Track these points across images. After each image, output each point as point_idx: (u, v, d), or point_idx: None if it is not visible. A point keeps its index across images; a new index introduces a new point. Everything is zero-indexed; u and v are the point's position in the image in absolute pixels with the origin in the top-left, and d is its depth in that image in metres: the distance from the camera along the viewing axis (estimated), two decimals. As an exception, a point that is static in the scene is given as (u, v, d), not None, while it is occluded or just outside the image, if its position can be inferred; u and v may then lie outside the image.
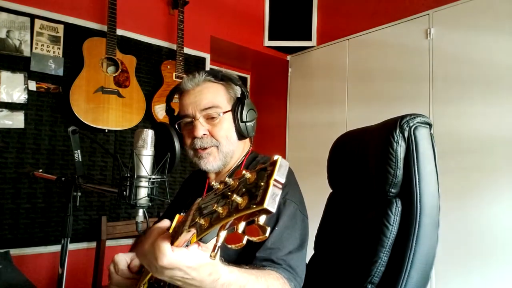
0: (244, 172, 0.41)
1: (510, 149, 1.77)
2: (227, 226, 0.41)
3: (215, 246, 0.43)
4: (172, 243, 0.53)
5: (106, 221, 1.83)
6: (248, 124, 0.95)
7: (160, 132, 0.89)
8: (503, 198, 1.78)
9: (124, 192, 0.82)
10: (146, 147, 0.83)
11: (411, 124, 0.85)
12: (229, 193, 0.40)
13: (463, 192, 1.90)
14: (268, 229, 0.38)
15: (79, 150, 1.11)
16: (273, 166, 0.37)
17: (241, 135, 0.96)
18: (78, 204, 1.06)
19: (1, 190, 1.78)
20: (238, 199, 0.38)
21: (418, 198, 0.83)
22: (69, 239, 1.08)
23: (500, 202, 1.78)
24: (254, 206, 0.36)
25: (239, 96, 0.97)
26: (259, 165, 0.40)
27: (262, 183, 0.37)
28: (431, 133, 0.88)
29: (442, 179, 0.88)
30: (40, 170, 1.26)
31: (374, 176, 0.91)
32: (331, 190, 1.20)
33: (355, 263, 0.92)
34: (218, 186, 0.45)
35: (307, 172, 2.61)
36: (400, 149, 0.85)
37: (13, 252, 1.71)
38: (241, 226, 0.39)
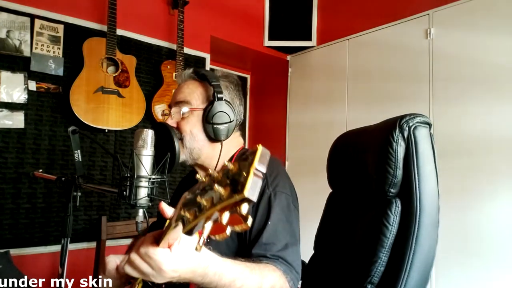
0: (226, 163, 0.41)
1: (510, 149, 1.77)
2: (212, 218, 0.41)
3: (200, 238, 0.44)
4: (159, 242, 0.54)
5: (106, 221, 1.82)
6: (216, 126, 0.93)
7: (160, 132, 0.89)
8: (502, 198, 1.78)
9: (124, 192, 0.82)
10: (146, 147, 0.83)
11: (410, 124, 0.85)
12: (213, 185, 0.40)
13: (463, 192, 1.90)
14: (250, 219, 0.39)
15: (79, 150, 1.11)
16: (253, 156, 0.38)
17: (210, 137, 0.95)
18: (78, 204, 1.06)
19: (1, 190, 1.78)
20: (220, 189, 0.39)
21: (418, 198, 0.83)
22: (69, 239, 1.08)
23: (500, 202, 1.78)
24: (235, 195, 0.36)
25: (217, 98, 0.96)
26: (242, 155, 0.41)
27: (244, 173, 0.37)
28: (430, 133, 0.88)
29: (442, 179, 0.88)
30: (40, 170, 1.26)
31: (373, 176, 0.91)
32: (331, 190, 1.20)
33: (355, 263, 0.92)
34: (204, 179, 0.45)
35: (307, 172, 2.61)
36: (400, 149, 0.85)
37: (13, 252, 1.71)
38: (225, 216, 0.40)
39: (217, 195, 0.39)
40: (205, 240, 0.43)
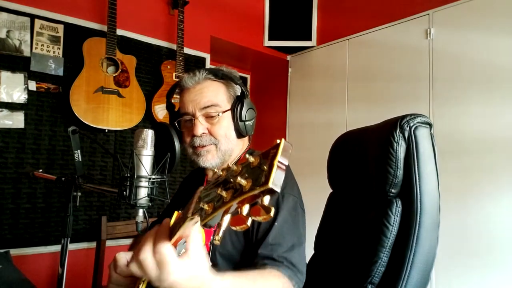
0: (247, 156, 0.41)
1: (510, 149, 1.77)
2: (231, 210, 0.41)
3: (219, 230, 0.43)
4: (170, 238, 0.52)
5: (106, 221, 1.82)
6: (247, 123, 0.95)
7: (160, 132, 0.89)
8: (503, 198, 1.78)
9: (124, 192, 0.82)
10: (146, 147, 0.83)
11: (411, 124, 0.85)
12: (233, 178, 0.40)
13: (463, 192, 1.90)
14: (273, 209, 0.39)
15: (79, 150, 1.11)
16: (276, 148, 0.38)
17: (240, 134, 0.96)
18: (78, 204, 1.06)
19: (1, 190, 1.78)
20: (242, 181, 0.38)
21: (418, 198, 0.83)
22: (69, 239, 1.07)
23: (500, 202, 1.78)
24: (259, 187, 0.36)
25: (239, 95, 0.97)
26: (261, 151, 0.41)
27: (265, 166, 0.37)
28: (431, 133, 0.88)
29: (442, 179, 0.88)
30: (40, 170, 1.26)
31: (374, 176, 0.91)
32: (331, 190, 1.20)
33: (355, 263, 0.92)
34: (221, 173, 0.45)
35: (307, 172, 2.60)
36: (400, 149, 0.85)
37: (13, 252, 1.71)
38: (245, 208, 0.40)
39: (238, 187, 0.39)
40: (224, 232, 0.43)
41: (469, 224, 1.87)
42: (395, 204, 0.85)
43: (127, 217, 2.17)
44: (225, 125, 0.94)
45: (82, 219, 2.01)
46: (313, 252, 1.17)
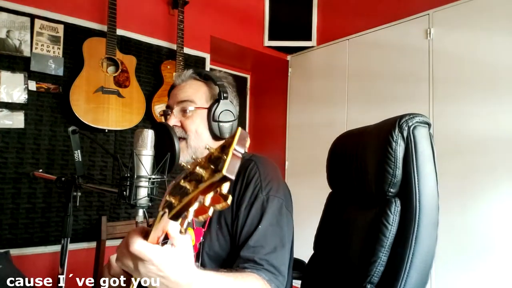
0: (208, 147, 0.44)
1: (510, 149, 1.77)
2: (196, 201, 0.43)
3: (184, 221, 0.45)
4: (149, 233, 0.54)
5: (106, 221, 1.82)
6: (222, 124, 0.95)
7: (160, 132, 0.89)
8: (502, 198, 1.78)
9: (124, 192, 0.82)
10: (146, 147, 0.83)
11: (410, 124, 0.85)
12: (196, 169, 0.42)
13: (462, 192, 1.90)
14: (230, 197, 0.41)
15: (79, 150, 1.11)
16: (232, 138, 0.41)
17: (214, 135, 0.97)
18: (78, 204, 1.06)
19: (1, 190, 1.79)
20: (202, 171, 0.41)
21: (417, 197, 0.83)
22: (69, 239, 1.08)
23: (500, 202, 1.78)
24: (215, 175, 0.38)
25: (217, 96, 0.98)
26: (226, 140, 0.43)
27: (224, 155, 0.39)
28: (430, 133, 0.88)
29: (442, 179, 0.88)
30: (40, 170, 1.27)
31: (373, 175, 0.91)
32: (331, 190, 1.20)
33: (355, 263, 0.92)
34: (189, 166, 0.47)
35: (307, 172, 2.61)
36: (399, 149, 0.85)
37: (13, 252, 1.72)
38: (208, 198, 0.42)
39: (199, 178, 0.41)
40: (189, 223, 0.45)
41: (468, 223, 1.87)
42: (394, 203, 0.86)
43: (127, 217, 2.17)
44: (197, 122, 0.96)
45: (82, 219, 2.01)
46: (313, 252, 1.18)
